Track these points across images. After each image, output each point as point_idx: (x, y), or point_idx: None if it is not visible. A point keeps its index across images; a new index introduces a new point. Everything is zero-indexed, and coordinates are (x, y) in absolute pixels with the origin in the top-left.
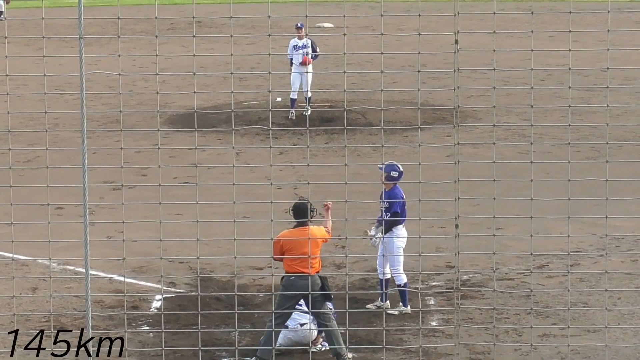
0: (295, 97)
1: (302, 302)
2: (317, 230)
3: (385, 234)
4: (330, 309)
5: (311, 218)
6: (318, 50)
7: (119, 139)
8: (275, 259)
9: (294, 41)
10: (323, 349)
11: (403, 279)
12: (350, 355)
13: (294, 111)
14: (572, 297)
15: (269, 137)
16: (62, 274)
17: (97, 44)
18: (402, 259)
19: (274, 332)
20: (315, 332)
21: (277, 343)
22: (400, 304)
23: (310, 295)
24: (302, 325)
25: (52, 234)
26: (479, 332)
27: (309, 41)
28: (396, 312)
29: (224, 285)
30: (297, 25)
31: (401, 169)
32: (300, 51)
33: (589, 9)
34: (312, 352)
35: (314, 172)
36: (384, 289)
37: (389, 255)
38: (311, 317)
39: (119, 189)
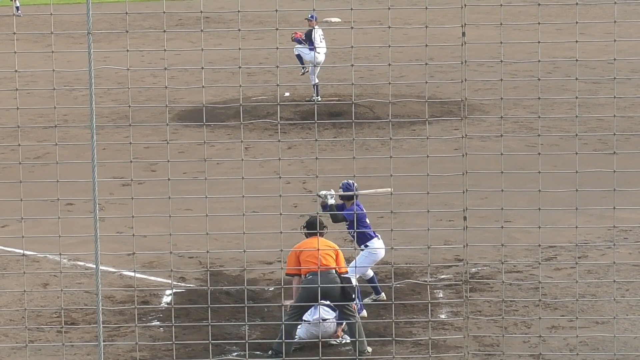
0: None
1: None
2: (329, 243)
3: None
4: (357, 302)
5: (322, 230)
6: (315, 41)
7: (128, 134)
8: (288, 274)
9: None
10: (343, 341)
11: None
12: (370, 349)
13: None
14: (580, 289)
15: (278, 131)
16: (73, 270)
17: (105, 40)
18: (359, 272)
19: (284, 326)
20: (335, 325)
21: (298, 336)
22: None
23: (329, 292)
24: (324, 320)
25: (62, 230)
26: (488, 325)
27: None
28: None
29: (234, 280)
30: (308, 17)
31: (347, 186)
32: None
33: (595, 0)
34: (332, 344)
35: (322, 166)
36: (375, 283)
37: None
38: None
39: (129, 184)
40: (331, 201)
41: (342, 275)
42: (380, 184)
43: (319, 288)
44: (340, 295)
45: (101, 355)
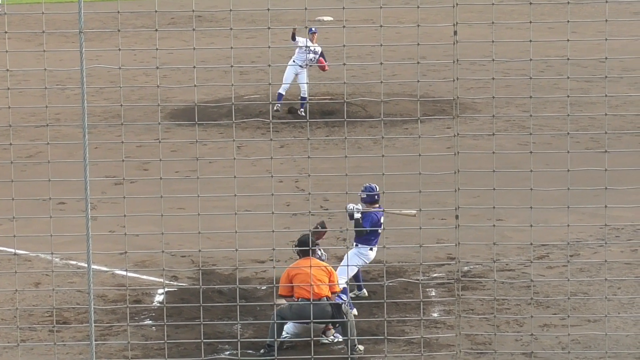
0: (284, 93)
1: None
2: (321, 263)
3: (354, 245)
4: (344, 300)
5: (314, 247)
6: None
7: (120, 133)
8: (281, 296)
9: (306, 41)
10: (335, 340)
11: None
12: (361, 347)
13: (279, 105)
14: (572, 287)
15: (270, 130)
16: (65, 269)
17: (97, 39)
18: (350, 271)
19: (276, 324)
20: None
21: (287, 332)
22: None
23: (318, 318)
24: None
25: (54, 229)
26: (480, 323)
27: (320, 49)
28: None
29: (226, 279)
30: (312, 30)
31: (370, 190)
32: (311, 55)
33: None
34: (324, 343)
35: (314, 165)
36: (360, 279)
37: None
38: None
39: (121, 183)
40: (357, 215)
41: (333, 295)
42: (374, 182)
43: (309, 314)
44: (327, 320)
45: (93, 355)
